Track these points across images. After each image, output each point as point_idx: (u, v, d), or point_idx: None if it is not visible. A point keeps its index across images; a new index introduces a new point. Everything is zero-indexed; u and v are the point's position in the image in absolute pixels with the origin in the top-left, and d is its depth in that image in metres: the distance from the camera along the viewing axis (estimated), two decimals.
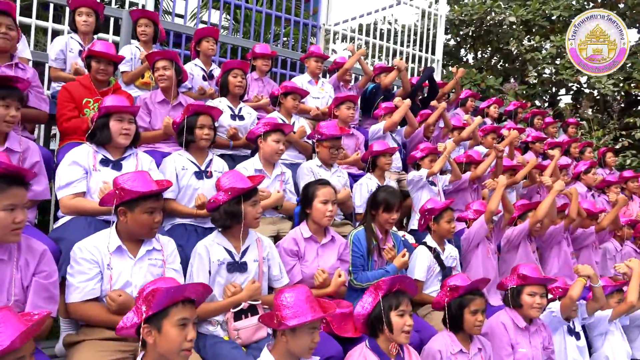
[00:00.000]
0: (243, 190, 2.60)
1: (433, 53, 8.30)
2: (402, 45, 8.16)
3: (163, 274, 2.44)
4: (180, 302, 1.87)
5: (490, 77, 12.52)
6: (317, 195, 3.02)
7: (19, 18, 3.93)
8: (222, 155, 3.96)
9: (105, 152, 2.94)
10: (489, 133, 5.83)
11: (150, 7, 5.58)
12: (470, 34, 13.82)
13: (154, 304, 1.80)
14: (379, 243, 3.33)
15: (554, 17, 12.61)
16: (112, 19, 5.25)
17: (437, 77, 8.33)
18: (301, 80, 5.18)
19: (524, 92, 12.64)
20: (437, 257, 3.62)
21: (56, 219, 2.95)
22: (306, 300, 2.08)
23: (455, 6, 13.39)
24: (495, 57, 14.63)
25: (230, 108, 4.12)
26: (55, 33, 4.96)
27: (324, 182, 3.11)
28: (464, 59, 15.17)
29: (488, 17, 12.40)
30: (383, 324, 2.40)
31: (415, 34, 8.32)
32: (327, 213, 3.00)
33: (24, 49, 3.73)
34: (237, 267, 2.65)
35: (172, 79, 3.76)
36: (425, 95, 6.18)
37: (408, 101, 4.93)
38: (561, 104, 13.77)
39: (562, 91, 14.09)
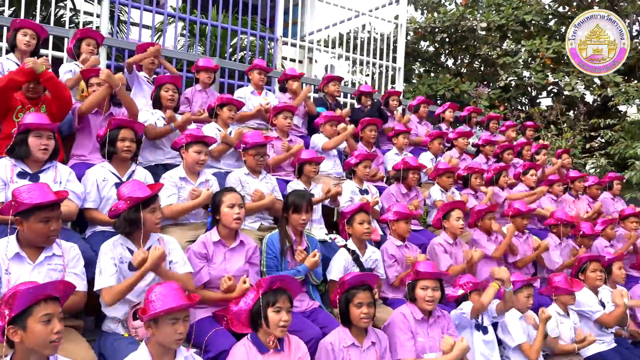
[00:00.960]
0: (141, 199, 2.81)
1: (395, 61, 8.51)
2: (362, 54, 8.39)
3: (63, 278, 2.65)
4: (42, 300, 2.05)
5: (467, 82, 12.74)
6: (224, 201, 3.22)
7: None
8: (156, 165, 4.21)
9: (24, 165, 3.17)
10: (435, 138, 6.02)
11: (105, 22, 5.82)
12: (447, 40, 14.09)
13: (15, 306, 1.98)
14: (293, 244, 3.52)
15: (527, 22, 12.82)
16: (66, 39, 5.49)
17: (399, 84, 8.55)
18: (245, 92, 5.41)
19: (500, 96, 12.87)
20: (356, 259, 3.80)
21: None
22: (170, 293, 2.28)
23: (434, 13, 13.67)
24: (476, 63, 14.87)
25: (164, 119, 4.36)
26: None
27: (229, 189, 3.32)
28: (445, 65, 15.41)
29: (462, 23, 12.63)
30: (262, 318, 2.60)
31: (375, 43, 8.53)
32: (235, 216, 3.20)
33: None
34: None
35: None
36: None
37: (351, 128, 5.07)
38: (542, 107, 13.97)
39: (544, 94, 14.28)
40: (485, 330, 3.62)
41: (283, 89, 5.93)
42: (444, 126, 7.04)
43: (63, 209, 2.81)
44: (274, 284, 2.65)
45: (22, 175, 3.13)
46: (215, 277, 3.18)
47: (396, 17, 8.64)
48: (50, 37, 5.42)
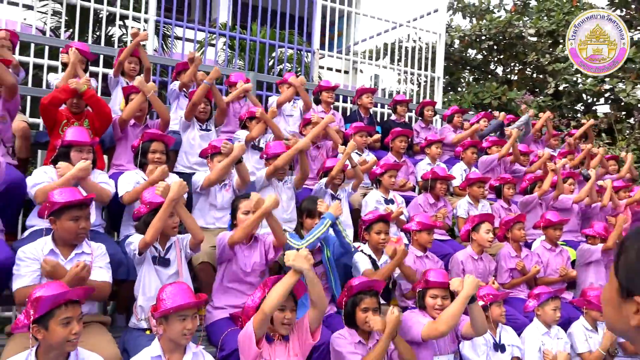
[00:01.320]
0: (159, 204, 3.03)
1: (433, 71, 8.50)
2: (404, 64, 8.44)
3: (90, 271, 2.88)
4: (63, 304, 2.25)
5: (514, 90, 12.46)
6: (240, 208, 3.42)
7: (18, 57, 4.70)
8: (189, 174, 4.46)
9: None
10: (468, 148, 5.96)
11: (150, 40, 6.24)
12: (495, 47, 13.85)
13: (38, 309, 2.19)
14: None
15: None
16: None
17: (439, 94, 8.53)
18: (275, 99, 5.61)
19: (551, 103, 12.47)
20: (373, 263, 3.87)
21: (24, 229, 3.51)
22: (180, 292, 2.47)
23: (481, 21, 13.48)
24: (528, 70, 14.49)
25: (199, 124, 4.71)
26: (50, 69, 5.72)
27: (246, 196, 3.49)
28: (494, 73, 15.11)
29: (508, 30, 12.40)
30: None
31: (414, 53, 8.56)
32: None
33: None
34: (161, 261, 3.09)
35: (145, 110, 4.35)
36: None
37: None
38: (593, 115, 13.41)
39: (601, 100, 13.70)
40: (503, 349, 3.58)
41: (317, 101, 6.09)
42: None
43: (99, 190, 3.29)
44: None
45: None
46: (234, 272, 3.36)
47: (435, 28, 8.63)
48: (101, 56, 5.88)
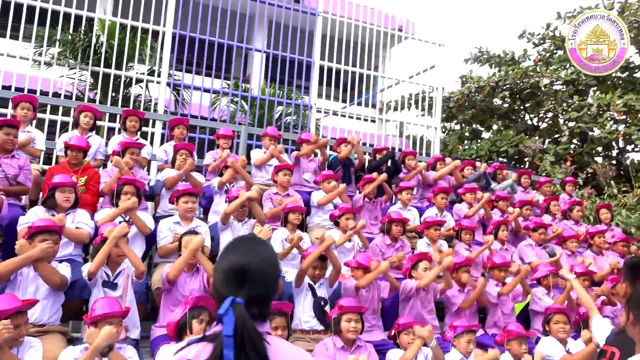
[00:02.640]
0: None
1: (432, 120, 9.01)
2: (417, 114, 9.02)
3: None
4: (13, 315, 2.95)
5: (533, 137, 12.62)
6: (182, 242, 4.06)
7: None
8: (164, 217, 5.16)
9: (54, 211, 4.28)
10: (438, 194, 6.34)
11: (161, 100, 7.23)
12: (517, 96, 14.12)
13: None
14: None
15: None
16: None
17: (436, 143, 8.96)
18: (256, 154, 6.30)
19: (574, 150, 12.49)
20: (310, 285, 4.36)
21: None
22: (108, 305, 3.12)
23: (497, 72, 13.87)
24: (560, 117, 14.57)
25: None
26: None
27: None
28: (520, 120, 15.27)
29: (525, 80, 12.71)
30: (186, 328, 3.29)
31: (409, 104, 9.11)
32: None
33: (40, 141, 5.38)
34: (109, 284, 3.76)
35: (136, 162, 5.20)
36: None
37: (342, 187, 5.71)
38: (628, 162, 13.22)
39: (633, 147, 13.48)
40: None
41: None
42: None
43: (78, 232, 4.08)
44: (199, 302, 3.35)
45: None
46: (175, 296, 3.95)
47: (432, 86, 9.18)
48: (118, 115, 6.90)
